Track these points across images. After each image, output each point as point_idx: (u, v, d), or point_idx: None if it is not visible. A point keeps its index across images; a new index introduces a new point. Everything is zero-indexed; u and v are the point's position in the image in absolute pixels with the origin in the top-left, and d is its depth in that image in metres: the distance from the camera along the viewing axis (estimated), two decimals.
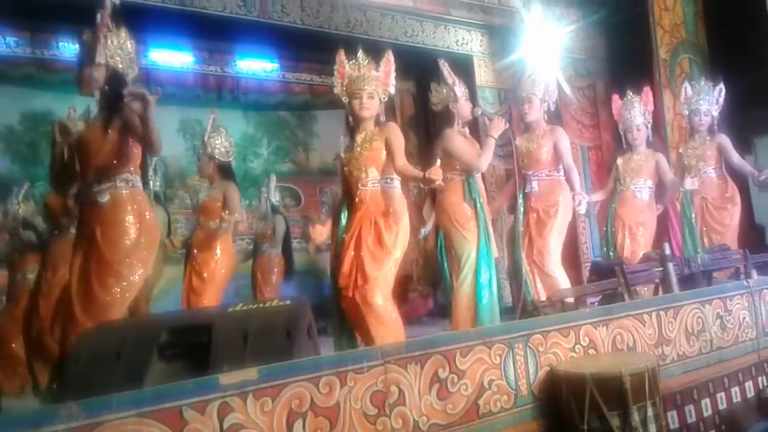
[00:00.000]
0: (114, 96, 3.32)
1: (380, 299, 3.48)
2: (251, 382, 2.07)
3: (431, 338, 2.67)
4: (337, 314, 3.72)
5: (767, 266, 4.62)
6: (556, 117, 6.80)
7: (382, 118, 3.86)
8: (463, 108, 4.60)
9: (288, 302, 2.70)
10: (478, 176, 4.59)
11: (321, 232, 6.07)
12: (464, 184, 4.39)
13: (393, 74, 3.86)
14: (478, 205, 4.30)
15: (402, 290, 7.24)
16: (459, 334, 3.07)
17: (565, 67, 7.29)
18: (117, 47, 3.44)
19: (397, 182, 3.81)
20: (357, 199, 3.70)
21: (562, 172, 4.95)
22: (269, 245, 7.19)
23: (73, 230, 3.80)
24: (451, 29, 7.72)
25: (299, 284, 7.80)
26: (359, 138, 3.75)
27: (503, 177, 7.38)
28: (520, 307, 4.39)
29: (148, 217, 3.39)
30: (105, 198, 3.26)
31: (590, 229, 7.68)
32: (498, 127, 4.39)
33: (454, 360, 2.60)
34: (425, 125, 8.52)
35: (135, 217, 3.30)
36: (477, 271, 4.21)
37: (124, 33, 3.50)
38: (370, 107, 3.76)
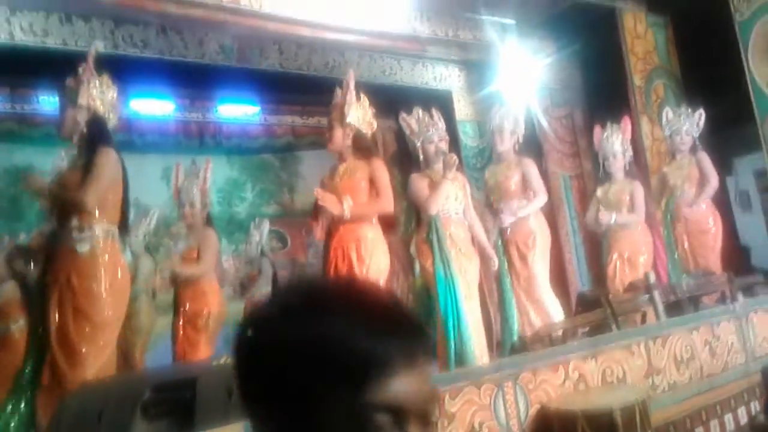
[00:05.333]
0: (93, 140, 3.36)
1: None
2: None
3: None
4: None
5: (754, 288, 4.64)
6: (536, 147, 6.89)
7: (348, 143, 3.91)
8: (426, 151, 4.55)
9: None
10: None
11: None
12: (426, 225, 4.33)
13: (351, 97, 3.87)
14: (435, 245, 4.20)
15: None
16: (447, 376, 3.04)
17: (542, 98, 7.38)
18: (99, 92, 3.48)
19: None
20: (332, 229, 3.72)
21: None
22: (256, 288, 7.12)
23: None
24: (428, 66, 7.82)
25: None
26: (341, 168, 3.81)
27: None
28: (509, 345, 4.35)
29: (120, 271, 3.39)
30: (84, 248, 3.25)
31: (576, 258, 7.68)
32: (449, 166, 4.31)
33: (443, 403, 2.58)
34: (408, 161, 8.54)
35: (111, 268, 3.31)
36: (442, 310, 4.09)
37: (106, 79, 3.55)
38: (333, 137, 3.85)
